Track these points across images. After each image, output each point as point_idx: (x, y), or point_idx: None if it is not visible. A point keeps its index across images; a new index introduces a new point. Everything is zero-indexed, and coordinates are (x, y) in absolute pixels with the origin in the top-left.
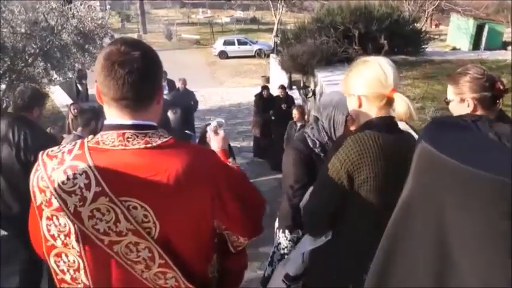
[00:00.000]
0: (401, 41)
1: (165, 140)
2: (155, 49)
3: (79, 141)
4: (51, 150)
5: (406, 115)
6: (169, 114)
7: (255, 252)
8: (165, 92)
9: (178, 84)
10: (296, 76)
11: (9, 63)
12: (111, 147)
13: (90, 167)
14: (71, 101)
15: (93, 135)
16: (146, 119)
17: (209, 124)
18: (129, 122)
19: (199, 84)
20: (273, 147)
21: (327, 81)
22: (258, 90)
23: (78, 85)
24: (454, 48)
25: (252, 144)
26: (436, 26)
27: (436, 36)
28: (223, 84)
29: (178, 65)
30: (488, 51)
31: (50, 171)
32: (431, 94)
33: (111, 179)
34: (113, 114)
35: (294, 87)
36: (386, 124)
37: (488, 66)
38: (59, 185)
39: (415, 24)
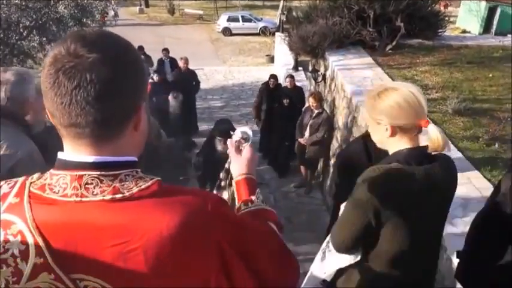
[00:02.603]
0: (418, 23)
1: (144, 186)
2: (156, 24)
3: (19, 182)
4: None
5: (443, 145)
6: (170, 98)
7: None
8: (168, 71)
9: (180, 64)
10: (302, 56)
11: (2, 36)
12: (60, 198)
13: (28, 226)
14: None
15: (40, 174)
16: (117, 153)
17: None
18: (89, 158)
19: (201, 61)
20: (279, 151)
21: (340, 66)
22: (262, 70)
23: None
24: (464, 31)
25: (255, 127)
26: (445, 7)
27: (446, 18)
28: (226, 63)
29: (181, 41)
30: (500, 35)
31: None
32: (451, 83)
33: (59, 246)
34: (68, 147)
35: (300, 68)
36: (417, 155)
37: (510, 54)
38: None
39: (433, 6)
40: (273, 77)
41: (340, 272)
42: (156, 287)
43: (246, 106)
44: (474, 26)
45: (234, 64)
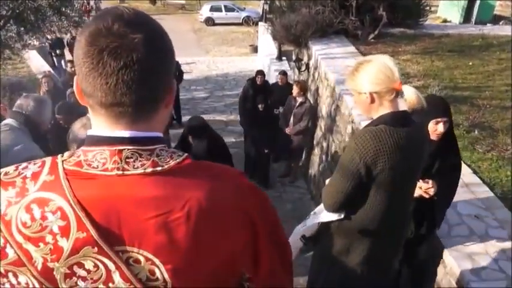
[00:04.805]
0: (400, 12)
1: (179, 160)
2: None
3: (48, 161)
4: (5, 173)
5: (417, 103)
6: None
7: None
8: None
9: None
10: (285, 46)
11: None
12: (101, 172)
13: (69, 201)
14: (49, 68)
15: (70, 152)
16: (150, 129)
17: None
18: (126, 133)
19: (184, 52)
20: (257, 159)
21: (323, 55)
22: (245, 60)
23: (54, 58)
24: (444, 21)
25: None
26: None
27: (427, 8)
28: (209, 53)
29: None
30: (480, 24)
31: (4, 207)
32: (433, 71)
33: (102, 220)
34: (102, 125)
35: (284, 58)
36: (400, 118)
37: (489, 42)
38: (18, 228)
39: None
40: (261, 73)
41: (321, 228)
42: (192, 257)
43: (230, 96)
44: (455, 16)
45: (217, 54)
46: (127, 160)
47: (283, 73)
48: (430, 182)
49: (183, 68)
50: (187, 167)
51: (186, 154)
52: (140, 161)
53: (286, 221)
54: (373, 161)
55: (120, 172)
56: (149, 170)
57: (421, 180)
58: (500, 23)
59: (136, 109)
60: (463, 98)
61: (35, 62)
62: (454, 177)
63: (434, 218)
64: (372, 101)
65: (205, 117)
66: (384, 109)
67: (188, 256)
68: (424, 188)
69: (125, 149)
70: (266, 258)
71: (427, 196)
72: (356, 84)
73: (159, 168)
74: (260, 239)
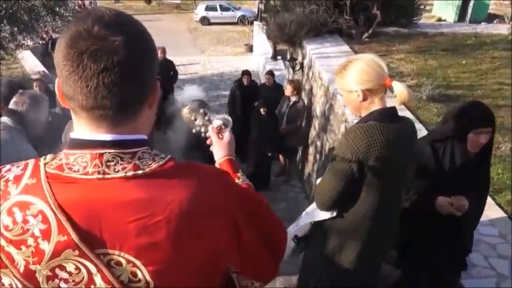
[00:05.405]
0: (394, 11)
1: (161, 162)
2: (132, 13)
3: (31, 163)
4: None
5: (408, 97)
6: None
7: None
8: None
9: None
10: (280, 45)
11: None
12: (81, 176)
13: (50, 205)
14: (43, 68)
15: (53, 155)
16: (133, 131)
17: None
18: (107, 137)
19: (179, 51)
20: (259, 163)
21: (317, 54)
22: (241, 59)
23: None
24: (439, 19)
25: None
26: None
27: (422, 7)
28: (204, 52)
29: (158, 31)
30: (474, 23)
31: None
32: (426, 70)
33: (82, 223)
34: (83, 128)
35: (279, 57)
36: (389, 114)
37: (482, 41)
38: (0, 231)
39: None
40: (247, 73)
41: (313, 227)
42: (174, 259)
43: (226, 96)
44: (449, 14)
45: (212, 54)
46: (108, 164)
47: (270, 73)
48: (462, 198)
49: (179, 69)
50: (169, 169)
51: (169, 156)
52: (121, 164)
53: (280, 219)
54: (365, 156)
55: (101, 176)
56: (130, 173)
57: (452, 197)
58: (494, 21)
59: (118, 112)
60: (456, 97)
61: (29, 62)
62: (483, 195)
63: (465, 241)
64: (365, 98)
65: None
66: (374, 106)
67: (170, 258)
68: (455, 205)
69: (105, 153)
70: (251, 258)
71: (459, 214)
72: (345, 83)
73: (140, 172)
74: (244, 237)
